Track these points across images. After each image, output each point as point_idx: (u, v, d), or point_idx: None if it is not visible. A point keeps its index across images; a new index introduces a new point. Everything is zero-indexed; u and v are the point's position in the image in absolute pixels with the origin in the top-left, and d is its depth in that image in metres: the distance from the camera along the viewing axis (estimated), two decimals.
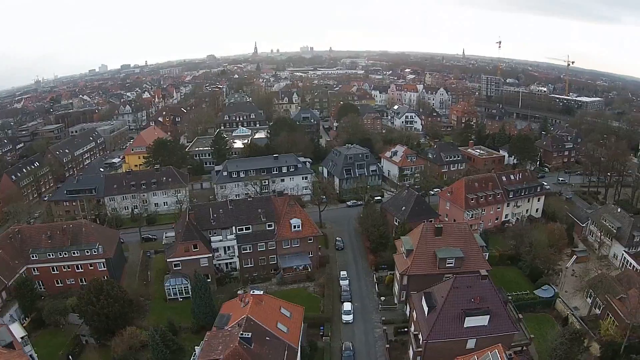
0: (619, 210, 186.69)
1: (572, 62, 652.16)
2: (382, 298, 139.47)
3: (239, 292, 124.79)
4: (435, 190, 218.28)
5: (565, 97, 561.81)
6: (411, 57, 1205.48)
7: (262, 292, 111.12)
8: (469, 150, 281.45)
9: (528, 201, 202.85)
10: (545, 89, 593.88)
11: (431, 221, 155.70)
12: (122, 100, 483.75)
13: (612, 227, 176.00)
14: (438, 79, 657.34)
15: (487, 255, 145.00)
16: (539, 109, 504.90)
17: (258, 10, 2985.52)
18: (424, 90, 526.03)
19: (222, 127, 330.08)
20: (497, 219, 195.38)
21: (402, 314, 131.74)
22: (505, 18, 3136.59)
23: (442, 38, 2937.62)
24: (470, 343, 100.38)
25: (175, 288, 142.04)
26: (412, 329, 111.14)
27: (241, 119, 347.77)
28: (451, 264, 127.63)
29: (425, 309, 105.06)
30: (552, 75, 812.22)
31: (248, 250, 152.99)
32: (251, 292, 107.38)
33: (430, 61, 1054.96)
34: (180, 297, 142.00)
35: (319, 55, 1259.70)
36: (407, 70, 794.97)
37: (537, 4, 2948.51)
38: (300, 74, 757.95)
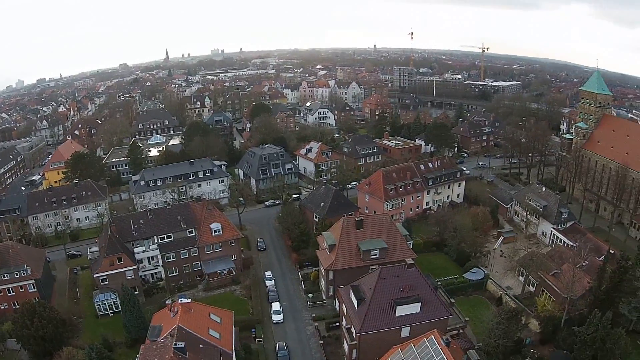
0: (543, 189, 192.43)
1: (487, 49, 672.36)
2: (310, 295, 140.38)
3: (167, 302, 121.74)
4: (353, 183, 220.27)
5: (481, 82, 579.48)
6: (322, 53, 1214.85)
7: (189, 300, 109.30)
8: (385, 141, 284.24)
9: (448, 187, 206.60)
10: (459, 77, 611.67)
11: (351, 215, 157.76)
12: (38, 115, 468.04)
13: (538, 206, 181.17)
14: (350, 74, 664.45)
15: (412, 244, 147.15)
16: (454, 97, 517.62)
17: (168, 15, 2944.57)
18: (335, 86, 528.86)
19: (137, 136, 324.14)
20: (418, 207, 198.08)
21: (331, 309, 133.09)
22: (418, 9, 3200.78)
23: (354, 33, 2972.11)
24: (405, 331, 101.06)
25: (104, 303, 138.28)
26: (344, 323, 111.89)
27: (155, 126, 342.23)
28: (375, 255, 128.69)
29: (355, 302, 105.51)
30: (466, 63, 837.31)
31: (172, 259, 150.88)
32: (179, 301, 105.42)
33: (342, 56, 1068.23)
34: (111, 312, 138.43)
35: (229, 57, 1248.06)
36: (318, 66, 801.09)
37: None
38: (212, 77, 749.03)
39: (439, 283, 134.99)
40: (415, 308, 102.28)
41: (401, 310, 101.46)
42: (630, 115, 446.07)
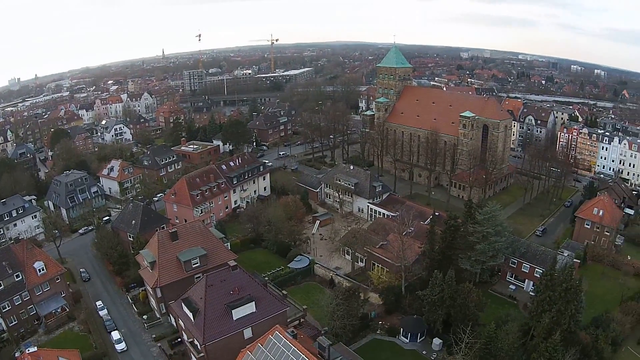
0: (351, 167, 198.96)
1: (277, 40, 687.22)
2: (145, 316, 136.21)
3: (16, 354, 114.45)
4: (159, 195, 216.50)
5: (272, 74, 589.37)
6: (112, 68, 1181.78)
7: (35, 348, 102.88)
8: (183, 147, 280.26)
9: (254, 182, 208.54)
10: (250, 71, 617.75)
11: (164, 228, 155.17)
12: None
13: (349, 185, 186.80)
14: (141, 85, 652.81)
15: (229, 245, 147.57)
16: (247, 92, 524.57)
17: None
18: (128, 99, 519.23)
19: None
20: (227, 207, 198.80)
21: (169, 325, 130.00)
22: (206, 9, 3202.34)
23: (142, 43, 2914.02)
24: (247, 333, 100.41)
25: None
26: (185, 337, 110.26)
27: None
28: (197, 263, 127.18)
29: (190, 314, 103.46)
30: (256, 57, 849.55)
31: (7, 308, 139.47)
32: (26, 351, 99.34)
33: (132, 68, 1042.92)
34: None
35: (26, 85, 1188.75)
36: (109, 82, 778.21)
37: None
38: (11, 108, 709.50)
39: (266, 278, 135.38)
40: (250, 308, 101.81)
41: (237, 313, 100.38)
42: (432, 82, 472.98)
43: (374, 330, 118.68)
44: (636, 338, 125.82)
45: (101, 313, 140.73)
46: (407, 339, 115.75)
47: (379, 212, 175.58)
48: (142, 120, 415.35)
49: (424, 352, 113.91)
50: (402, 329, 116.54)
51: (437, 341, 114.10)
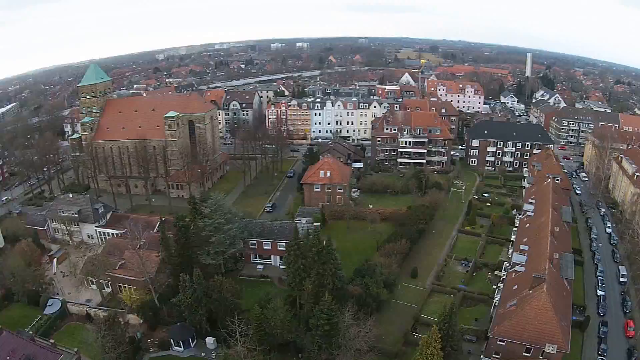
0: (71, 195, 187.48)
1: None
2: None
3: None
4: None
5: None
6: None
7: None
8: None
9: None
10: None
11: None
12: None
13: (73, 214, 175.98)
14: None
15: None
16: None
17: None
18: None
19: None
20: None
21: None
22: None
23: None
24: None
25: None
26: None
27: None
28: None
29: None
30: None
31: None
32: None
33: None
34: None
35: None
36: None
37: None
38: None
39: (30, 332, 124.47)
40: None
41: None
42: (132, 91, 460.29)
43: (147, 349, 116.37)
44: (408, 273, 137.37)
45: None
46: (181, 347, 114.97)
47: (108, 233, 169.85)
48: None
49: (202, 354, 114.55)
50: (172, 340, 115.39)
51: (210, 340, 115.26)
